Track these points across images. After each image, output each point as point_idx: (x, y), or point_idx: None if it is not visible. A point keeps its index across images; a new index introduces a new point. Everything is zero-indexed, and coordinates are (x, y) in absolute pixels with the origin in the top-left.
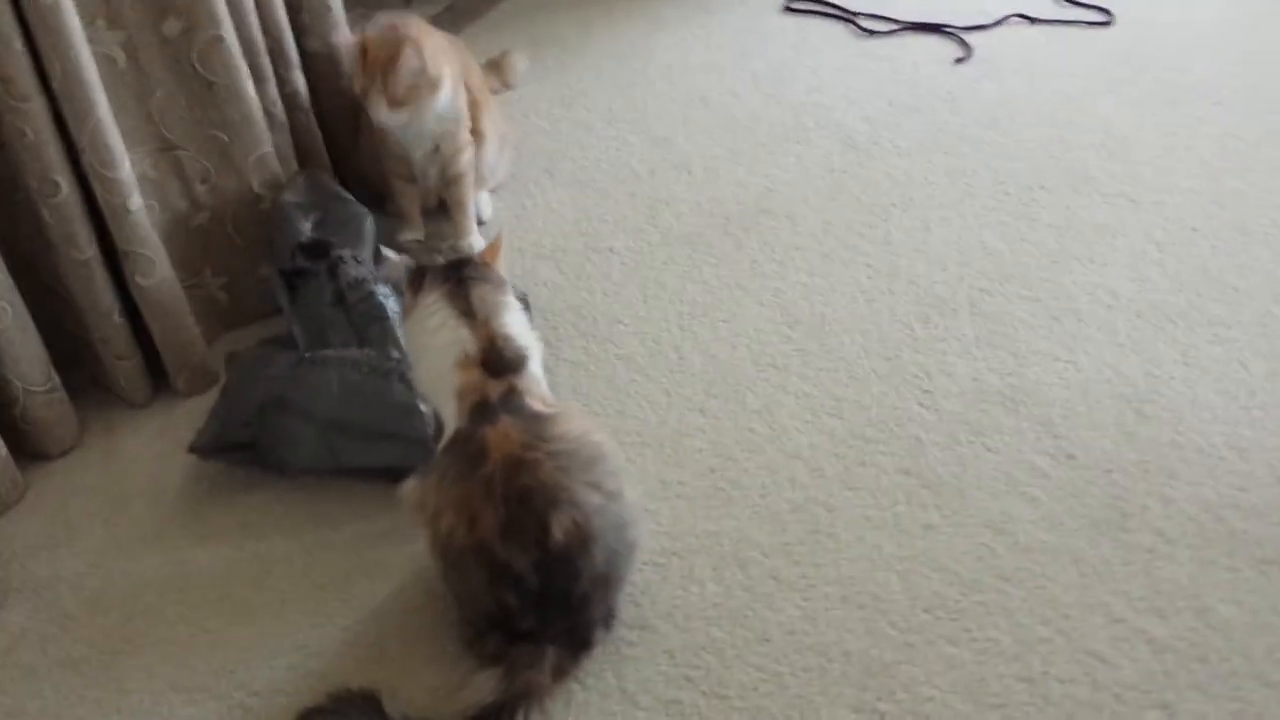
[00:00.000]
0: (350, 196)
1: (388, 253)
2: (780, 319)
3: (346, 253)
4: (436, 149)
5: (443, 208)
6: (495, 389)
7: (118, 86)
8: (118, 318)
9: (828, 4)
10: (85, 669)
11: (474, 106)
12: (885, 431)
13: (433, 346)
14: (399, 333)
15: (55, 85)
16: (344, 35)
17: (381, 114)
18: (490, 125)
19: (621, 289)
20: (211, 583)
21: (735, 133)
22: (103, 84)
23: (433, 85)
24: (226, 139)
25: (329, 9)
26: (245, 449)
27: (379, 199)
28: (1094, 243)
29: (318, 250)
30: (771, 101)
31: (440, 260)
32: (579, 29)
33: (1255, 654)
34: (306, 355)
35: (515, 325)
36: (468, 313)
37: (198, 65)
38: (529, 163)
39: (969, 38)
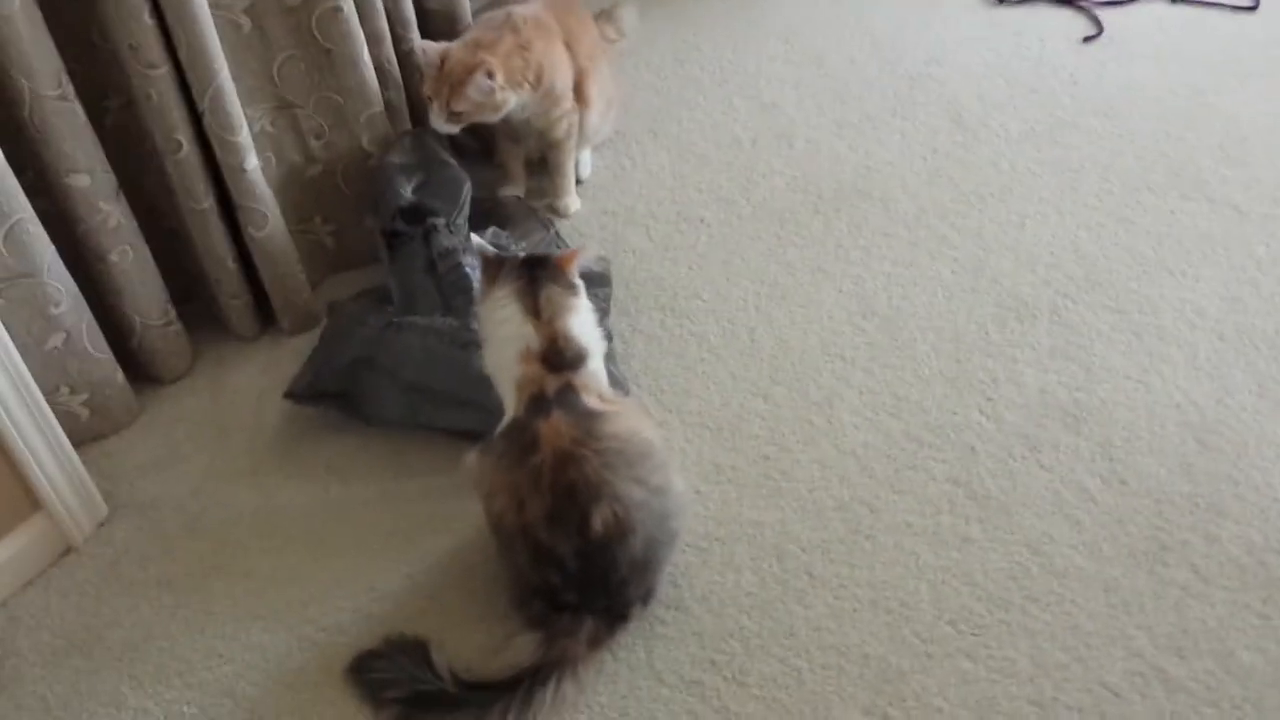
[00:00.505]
0: (452, 160)
1: (475, 239)
2: (856, 308)
3: (441, 221)
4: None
5: (545, 164)
6: (552, 384)
7: (242, 50)
8: (231, 263)
9: None
10: (178, 588)
11: (580, 74)
12: (941, 437)
13: (498, 337)
14: None
15: (181, 55)
16: (426, 44)
17: (440, 124)
18: (596, 90)
19: (705, 263)
20: (295, 519)
21: (845, 102)
22: (228, 47)
23: (497, 107)
24: (341, 100)
25: None
26: (336, 398)
27: (488, 149)
28: (1190, 254)
29: (416, 215)
30: (887, 70)
31: (518, 255)
32: None
33: (1269, 705)
34: (394, 320)
35: (579, 326)
36: (534, 311)
37: (316, 33)
38: (635, 119)
39: (1103, 14)
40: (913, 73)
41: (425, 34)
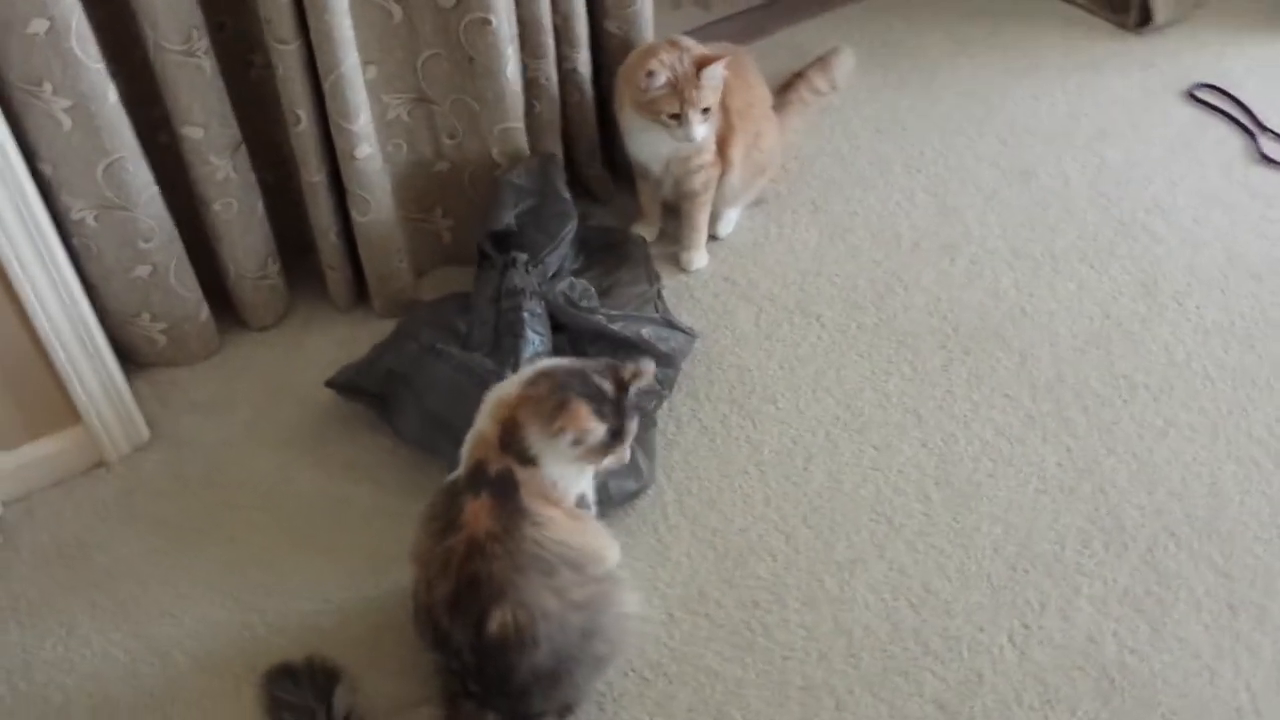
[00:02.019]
0: (567, 195)
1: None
2: (931, 471)
3: (523, 258)
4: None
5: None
6: (496, 464)
7: (389, 37)
8: (334, 236)
9: (1240, 106)
10: (170, 534)
11: (726, 131)
12: (952, 651)
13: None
14: (524, 356)
15: (312, 36)
16: (653, 64)
17: (696, 132)
18: (741, 154)
19: (799, 367)
20: (298, 505)
21: (1033, 229)
22: (375, 33)
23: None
24: (477, 108)
25: (634, 1)
26: (374, 398)
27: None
28: None
29: (504, 242)
30: (1100, 204)
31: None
32: (932, 52)
33: None
34: (437, 345)
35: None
36: (559, 384)
37: (463, 39)
38: (805, 184)
39: None
40: (1126, 218)
41: (601, 58)
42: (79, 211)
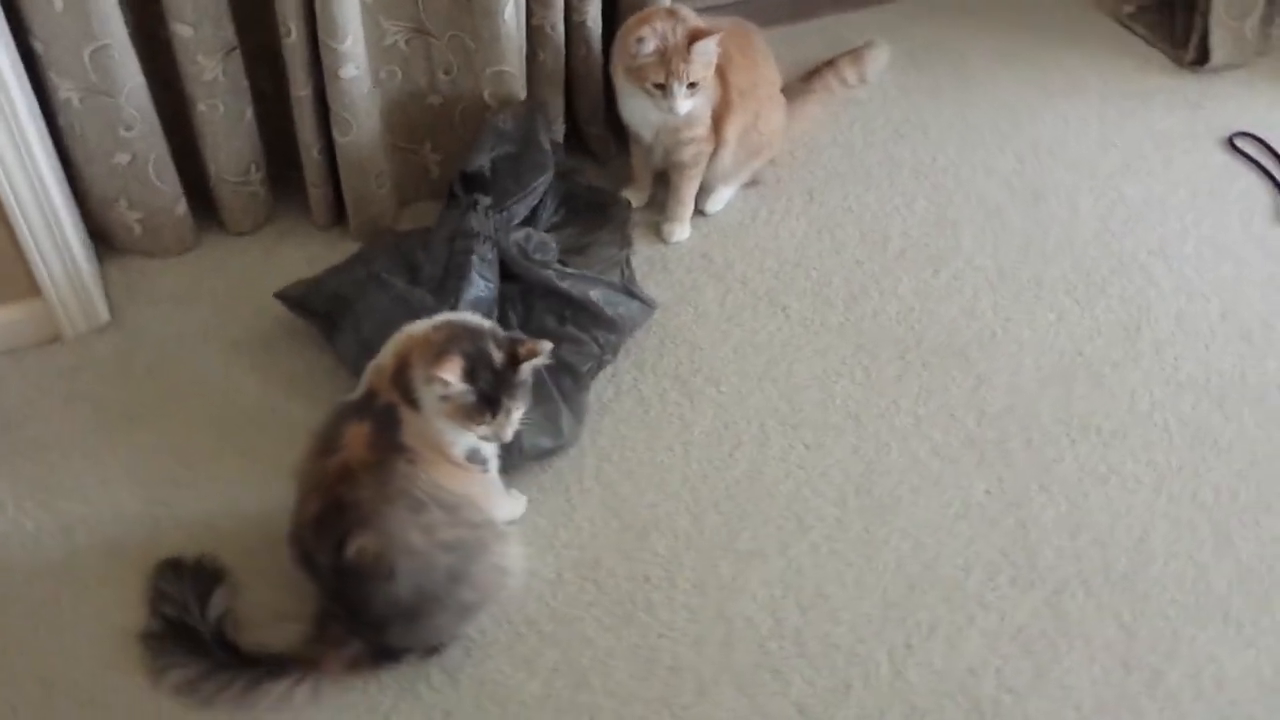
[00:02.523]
0: (547, 147)
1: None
2: (855, 479)
3: (487, 202)
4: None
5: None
6: (386, 396)
7: None
8: (316, 154)
9: (1278, 160)
10: (104, 416)
11: (724, 109)
12: (827, 657)
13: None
14: (466, 298)
15: None
16: (644, 31)
17: (680, 105)
18: (736, 132)
19: (751, 355)
20: (233, 410)
21: (1026, 254)
22: None
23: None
24: (473, 47)
25: None
26: (319, 317)
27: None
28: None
29: (474, 184)
30: (1104, 238)
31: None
32: (974, 61)
33: None
34: (381, 273)
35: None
36: (453, 335)
37: None
38: (809, 172)
39: None
40: (1127, 256)
41: (616, 16)
42: (66, 91)
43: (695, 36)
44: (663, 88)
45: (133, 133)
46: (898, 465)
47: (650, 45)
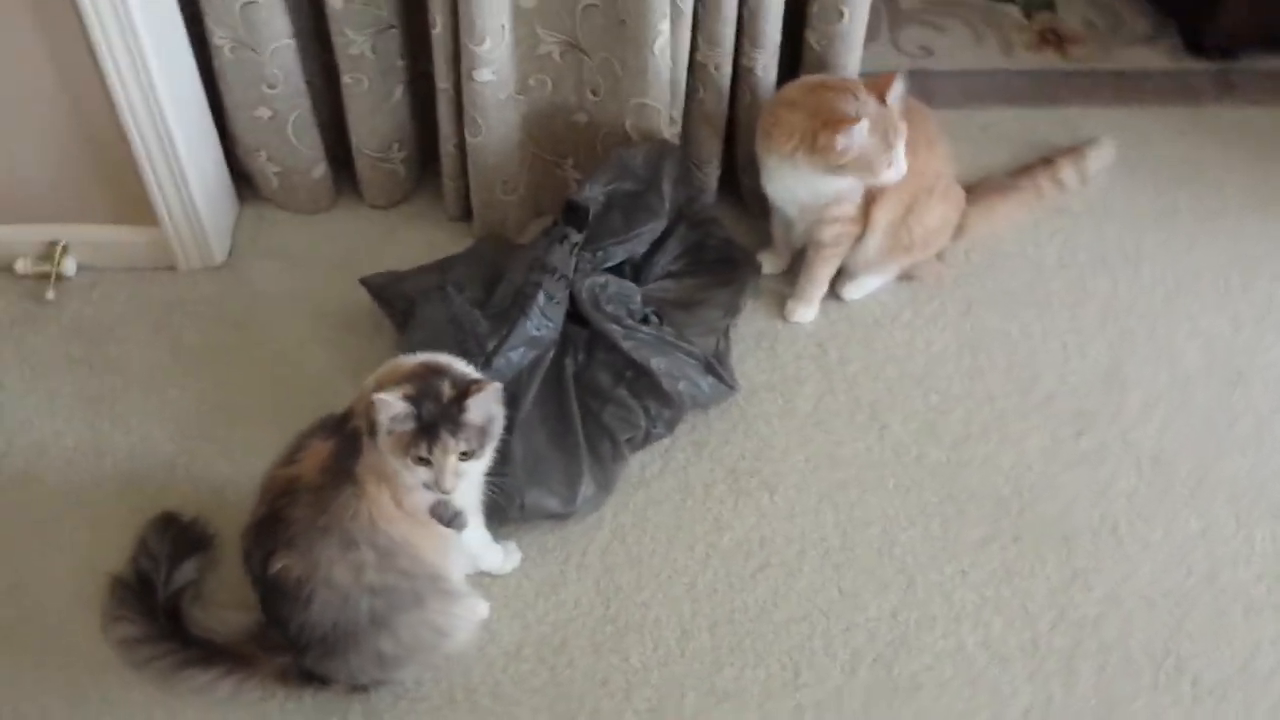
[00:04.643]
0: (667, 192)
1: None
2: (880, 646)
3: (576, 238)
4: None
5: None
6: (358, 419)
7: None
8: (452, 148)
9: None
10: (178, 353)
11: (876, 190)
12: None
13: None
14: (520, 332)
15: None
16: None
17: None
18: (886, 219)
19: (824, 470)
20: (295, 379)
21: (1201, 443)
22: None
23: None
24: (619, 74)
25: (841, 17)
26: (396, 313)
27: None
28: None
29: (576, 215)
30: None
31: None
32: (1227, 192)
33: None
34: (450, 287)
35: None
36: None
37: None
38: (978, 280)
39: None
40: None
41: (796, 70)
42: (219, 39)
43: (881, 90)
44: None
45: (275, 91)
46: (935, 646)
47: (860, 135)
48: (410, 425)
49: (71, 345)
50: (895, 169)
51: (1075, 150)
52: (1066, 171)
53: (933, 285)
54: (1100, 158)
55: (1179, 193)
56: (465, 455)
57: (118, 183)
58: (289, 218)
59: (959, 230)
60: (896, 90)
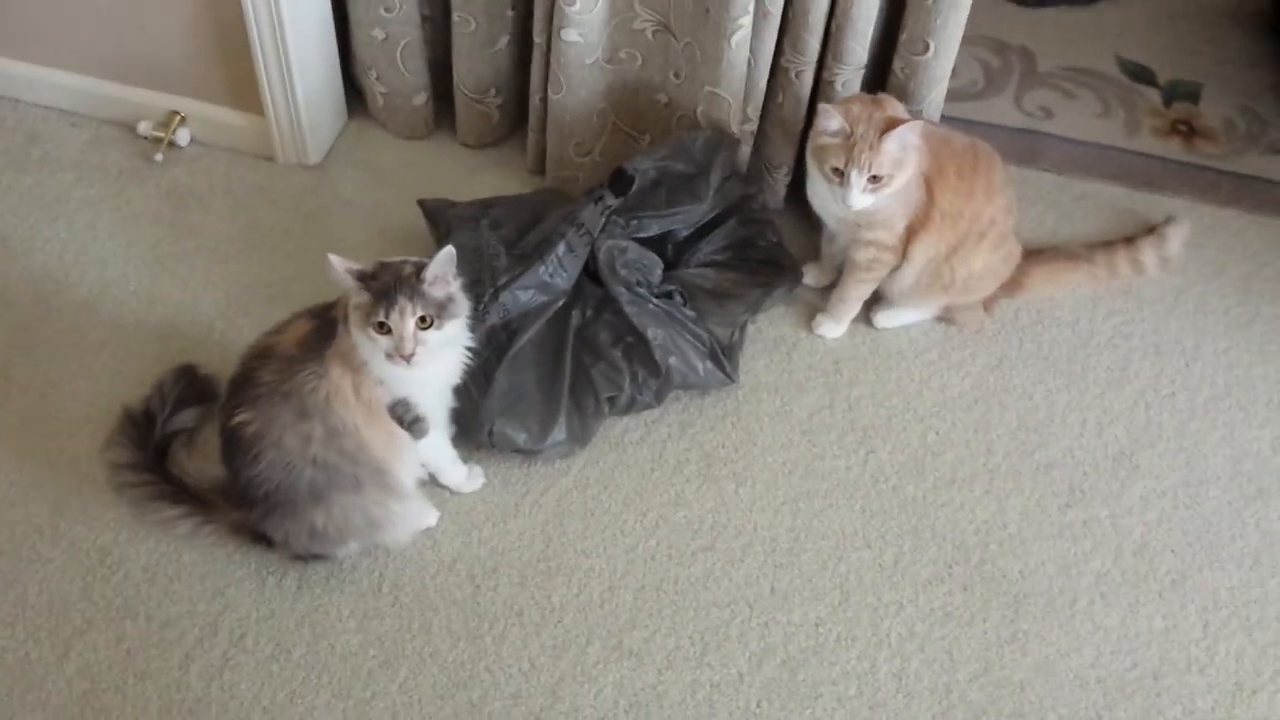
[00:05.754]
0: (714, 183)
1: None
2: (793, 650)
3: (612, 202)
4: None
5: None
6: (340, 309)
7: None
8: (539, 101)
9: None
10: (250, 233)
11: (919, 223)
12: None
13: None
14: (534, 274)
15: None
16: (829, 106)
17: (855, 199)
18: (925, 255)
19: (795, 479)
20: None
21: (1193, 549)
22: None
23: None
24: (699, 60)
25: (926, 49)
26: (440, 235)
27: None
28: None
29: (622, 181)
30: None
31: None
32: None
33: None
34: (483, 218)
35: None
36: (389, 267)
37: None
38: (1017, 338)
39: None
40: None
41: (879, 87)
42: None
43: (890, 126)
44: (840, 173)
45: (391, 15)
46: (847, 664)
47: (835, 124)
48: (367, 294)
49: (162, 205)
50: (844, 188)
51: (1157, 233)
52: (1146, 254)
53: (970, 332)
54: (1175, 241)
55: (1262, 306)
56: (424, 323)
57: (236, 68)
58: (388, 138)
59: (1017, 286)
60: (904, 133)
